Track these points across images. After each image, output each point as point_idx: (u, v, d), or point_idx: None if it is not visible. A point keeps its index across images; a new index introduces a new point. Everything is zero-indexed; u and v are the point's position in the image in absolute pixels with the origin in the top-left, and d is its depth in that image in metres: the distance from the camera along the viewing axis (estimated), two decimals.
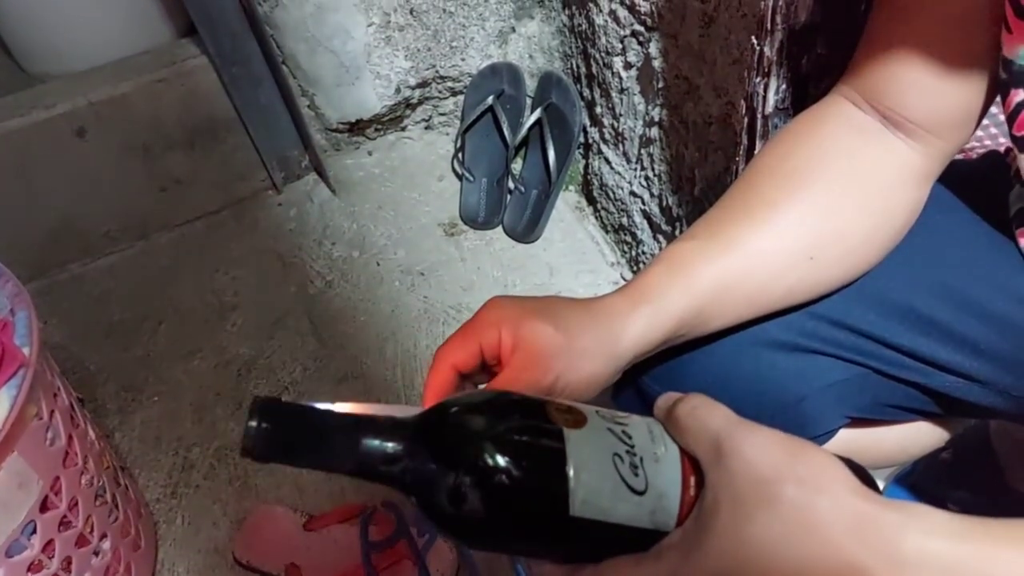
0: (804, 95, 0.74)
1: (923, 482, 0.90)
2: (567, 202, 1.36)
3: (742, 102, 0.78)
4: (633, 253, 1.22)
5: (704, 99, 0.89)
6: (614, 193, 1.22)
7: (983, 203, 0.61)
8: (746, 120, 0.77)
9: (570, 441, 0.38)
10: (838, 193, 0.54)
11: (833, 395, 0.60)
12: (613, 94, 1.12)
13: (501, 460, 0.37)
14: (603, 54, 1.10)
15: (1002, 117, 0.52)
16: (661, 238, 1.13)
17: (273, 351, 1.21)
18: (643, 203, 1.14)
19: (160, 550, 1.00)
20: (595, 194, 1.29)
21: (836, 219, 0.54)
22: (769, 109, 0.74)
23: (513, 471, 0.37)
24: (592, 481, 0.37)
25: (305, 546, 0.94)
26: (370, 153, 1.46)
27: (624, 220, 1.22)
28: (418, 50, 1.31)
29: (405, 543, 0.91)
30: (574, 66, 1.25)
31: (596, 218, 1.33)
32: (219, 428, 1.12)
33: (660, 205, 1.10)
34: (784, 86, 0.73)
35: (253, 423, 0.36)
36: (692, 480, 0.39)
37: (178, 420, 1.14)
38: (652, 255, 1.17)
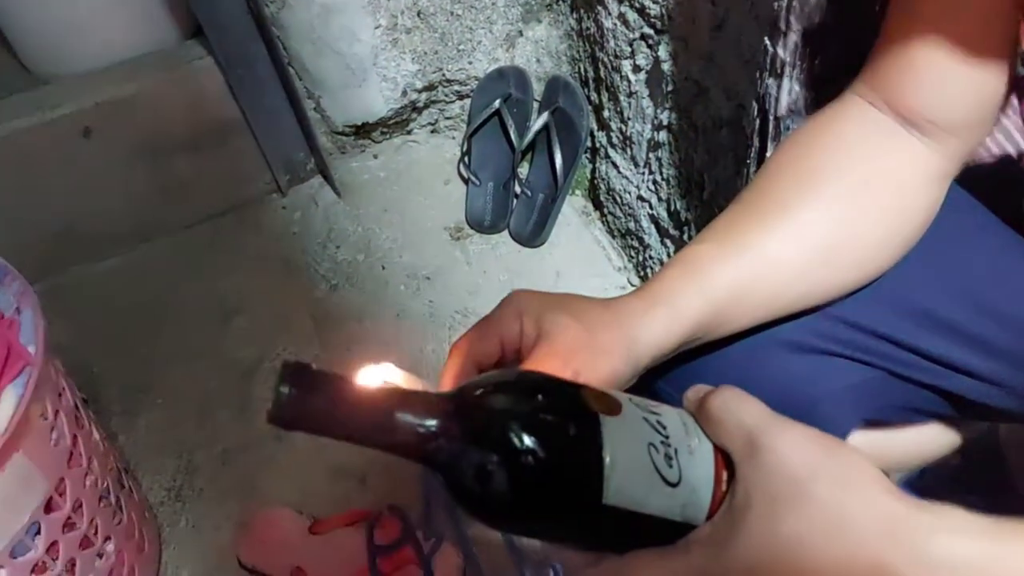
0: (817, 96, 0.74)
1: (932, 487, 0.89)
2: (573, 206, 1.36)
3: (753, 104, 0.78)
4: (640, 258, 1.22)
5: (714, 102, 0.89)
6: (621, 197, 1.21)
7: (998, 205, 0.61)
8: (758, 122, 0.77)
9: (606, 427, 0.37)
10: (855, 194, 0.53)
11: (849, 398, 0.59)
12: (621, 98, 1.12)
13: (537, 442, 0.36)
14: (611, 57, 1.10)
15: (1007, 122, 0.52)
16: (669, 243, 1.13)
17: (277, 355, 1.20)
18: (651, 207, 1.14)
19: (164, 553, 0.99)
20: (602, 198, 1.29)
21: (853, 221, 0.53)
22: (782, 111, 0.74)
23: (549, 454, 0.36)
24: (627, 469, 0.37)
25: (310, 550, 0.93)
26: (376, 156, 1.46)
27: (631, 225, 1.21)
28: (425, 53, 1.31)
29: (411, 547, 0.90)
30: (582, 70, 1.24)
31: (603, 223, 1.32)
32: (222, 431, 1.11)
33: (668, 209, 1.09)
34: (797, 87, 0.73)
35: (284, 389, 0.34)
36: (724, 475, 0.39)
37: (182, 423, 1.13)
38: (660, 260, 1.17)
